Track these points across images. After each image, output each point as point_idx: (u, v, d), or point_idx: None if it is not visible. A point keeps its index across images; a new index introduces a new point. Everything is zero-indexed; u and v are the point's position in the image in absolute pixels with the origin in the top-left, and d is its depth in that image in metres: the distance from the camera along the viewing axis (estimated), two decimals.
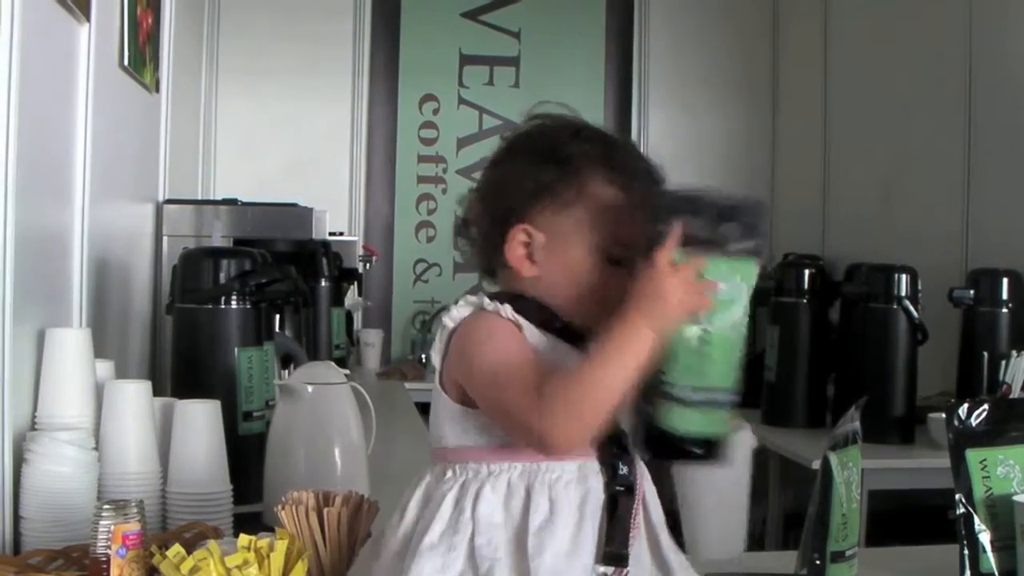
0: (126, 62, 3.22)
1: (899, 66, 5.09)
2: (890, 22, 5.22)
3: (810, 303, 4.15)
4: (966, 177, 4.53)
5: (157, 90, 3.82)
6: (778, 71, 6.36)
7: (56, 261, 2.67)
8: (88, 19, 2.79)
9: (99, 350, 2.46)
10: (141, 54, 3.44)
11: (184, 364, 2.77)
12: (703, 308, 1.47)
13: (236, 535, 1.76)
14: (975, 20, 4.50)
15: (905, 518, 3.57)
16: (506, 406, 1.49)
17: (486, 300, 1.55)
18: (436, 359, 1.58)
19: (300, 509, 1.76)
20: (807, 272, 4.21)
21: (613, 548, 1.51)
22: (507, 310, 1.53)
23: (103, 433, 2.26)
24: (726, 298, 1.49)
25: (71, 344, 2.34)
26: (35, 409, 2.30)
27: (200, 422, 2.29)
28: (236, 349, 2.70)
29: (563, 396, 1.44)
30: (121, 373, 2.62)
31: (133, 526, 1.75)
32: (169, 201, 3.96)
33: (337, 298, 4.73)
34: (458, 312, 1.56)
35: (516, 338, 1.53)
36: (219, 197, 5.16)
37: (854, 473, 1.95)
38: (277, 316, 3.38)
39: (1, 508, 2.13)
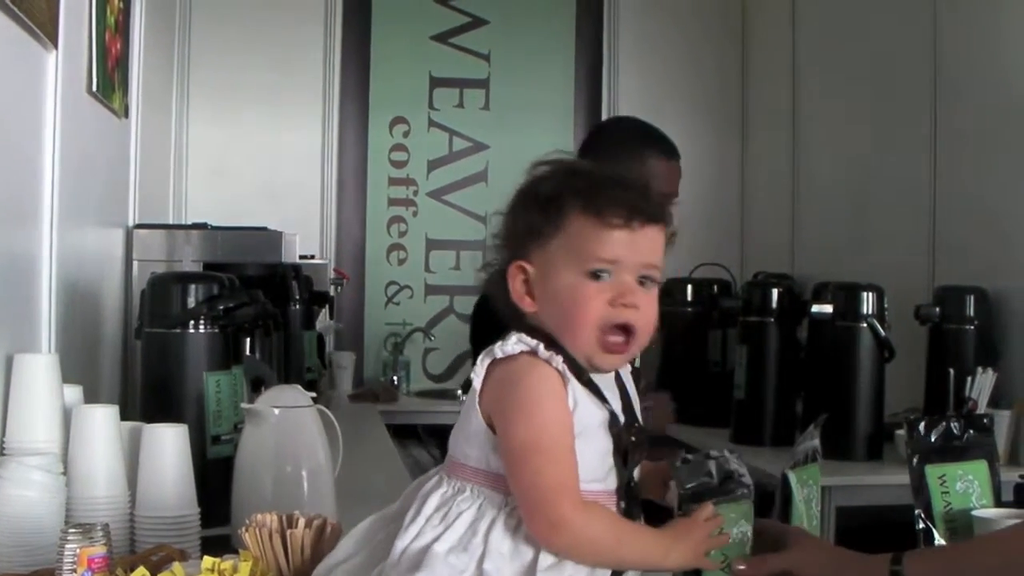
0: (94, 88, 3.23)
1: (866, 86, 5.12)
2: (856, 45, 5.26)
3: (778, 322, 4.16)
4: (932, 196, 4.56)
5: (126, 115, 3.83)
6: (747, 93, 6.40)
7: (24, 286, 2.68)
8: (56, 46, 2.80)
9: (69, 375, 2.47)
10: (110, 80, 3.45)
11: (153, 388, 2.77)
12: (716, 547, 1.68)
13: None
14: (940, 43, 4.54)
15: (875, 534, 3.59)
16: (534, 483, 1.55)
17: (541, 347, 1.59)
18: (476, 381, 1.61)
19: (263, 531, 1.78)
20: (775, 291, 4.22)
21: None
22: (558, 361, 1.58)
23: (71, 457, 2.27)
24: (737, 539, 1.74)
25: (39, 369, 2.35)
26: (3, 434, 2.31)
27: (168, 446, 2.29)
28: (204, 373, 2.71)
29: (591, 534, 1.56)
30: (92, 397, 2.62)
31: (99, 549, 1.76)
32: (139, 226, 3.96)
33: (308, 321, 4.73)
34: (511, 348, 1.60)
35: (563, 409, 1.58)
36: (190, 221, 5.16)
37: (814, 490, 1.97)
38: (248, 340, 3.39)
39: None
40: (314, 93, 6.10)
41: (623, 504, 1.63)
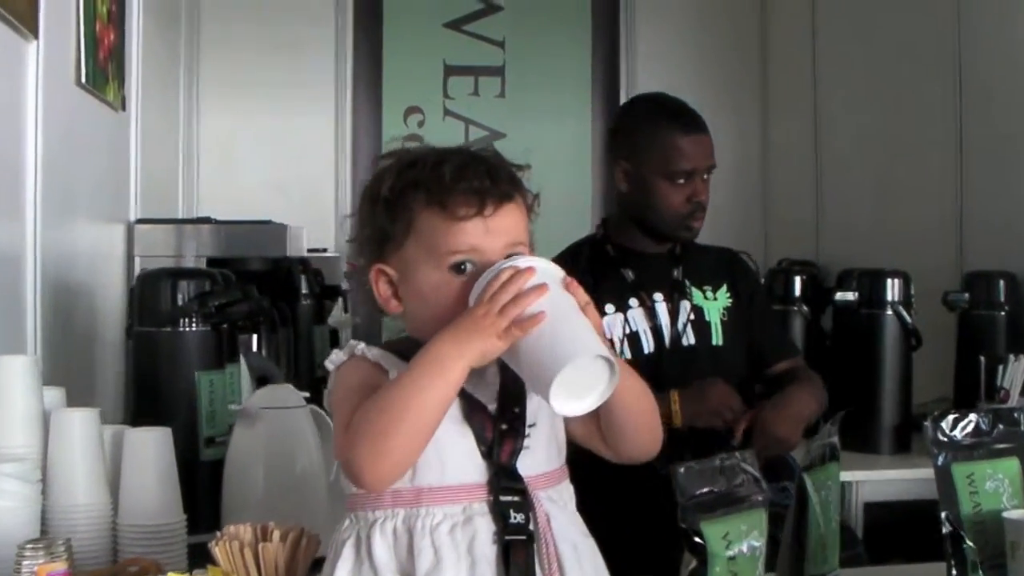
0: (84, 79, 3.14)
1: (889, 68, 5.03)
2: (878, 25, 5.15)
3: (802, 310, 4.07)
4: (958, 179, 4.45)
5: (124, 108, 3.73)
6: (767, 77, 6.28)
7: (8, 284, 2.59)
8: (36, 36, 2.71)
9: (60, 377, 2.41)
10: (102, 71, 3.36)
11: (144, 389, 2.69)
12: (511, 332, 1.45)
13: (190, 567, 1.69)
14: (964, 21, 4.44)
15: (904, 530, 3.49)
16: (334, 450, 1.51)
17: (360, 346, 1.57)
18: (327, 401, 1.60)
19: (235, 544, 1.67)
20: (798, 279, 4.14)
21: None
22: (372, 352, 1.55)
23: (50, 464, 2.18)
24: (747, 555, 1.58)
25: (16, 372, 2.25)
26: None
27: (151, 450, 2.20)
28: (196, 372, 2.61)
29: (364, 425, 1.45)
30: (87, 401, 2.54)
31: (59, 566, 1.66)
32: (141, 221, 3.87)
33: (319, 316, 4.63)
34: (336, 357, 1.59)
35: (364, 389, 1.51)
36: (203, 215, 5.07)
37: (832, 492, 1.85)
38: (255, 337, 3.30)
39: None
40: (327, 83, 6.00)
41: (491, 498, 1.50)
